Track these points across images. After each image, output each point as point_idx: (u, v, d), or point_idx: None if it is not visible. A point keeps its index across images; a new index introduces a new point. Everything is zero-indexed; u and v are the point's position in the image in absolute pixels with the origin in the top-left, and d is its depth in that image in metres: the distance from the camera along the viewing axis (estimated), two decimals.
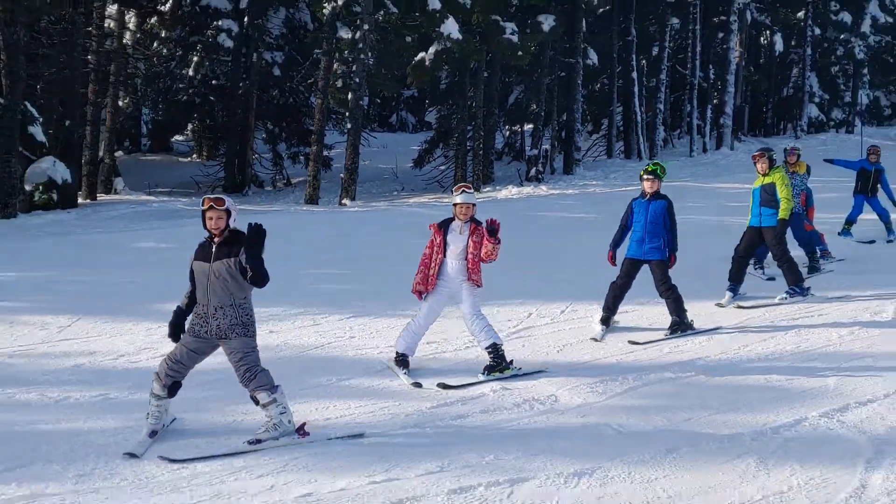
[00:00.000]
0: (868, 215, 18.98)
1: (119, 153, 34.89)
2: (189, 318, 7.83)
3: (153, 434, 7.72)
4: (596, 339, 11.20)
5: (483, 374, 9.63)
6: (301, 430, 7.70)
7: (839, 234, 18.69)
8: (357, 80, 28.89)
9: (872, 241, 18.65)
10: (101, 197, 28.79)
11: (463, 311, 9.95)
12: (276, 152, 36.05)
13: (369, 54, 29.06)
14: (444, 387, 9.26)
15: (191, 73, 34.50)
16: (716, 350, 10.92)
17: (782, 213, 12.87)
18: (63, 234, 20.09)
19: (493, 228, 9.63)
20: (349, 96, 29.19)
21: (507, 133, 39.60)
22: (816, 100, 49.97)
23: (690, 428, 8.31)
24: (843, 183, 20.25)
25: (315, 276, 15.15)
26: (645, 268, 11.62)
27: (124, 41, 31.75)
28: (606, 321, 11.67)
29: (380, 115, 46.69)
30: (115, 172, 30.58)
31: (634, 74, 38.08)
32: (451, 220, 9.98)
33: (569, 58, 34.94)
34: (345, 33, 28.87)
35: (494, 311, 12.41)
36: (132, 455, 7.25)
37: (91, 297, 12.80)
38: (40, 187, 24.77)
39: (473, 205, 9.91)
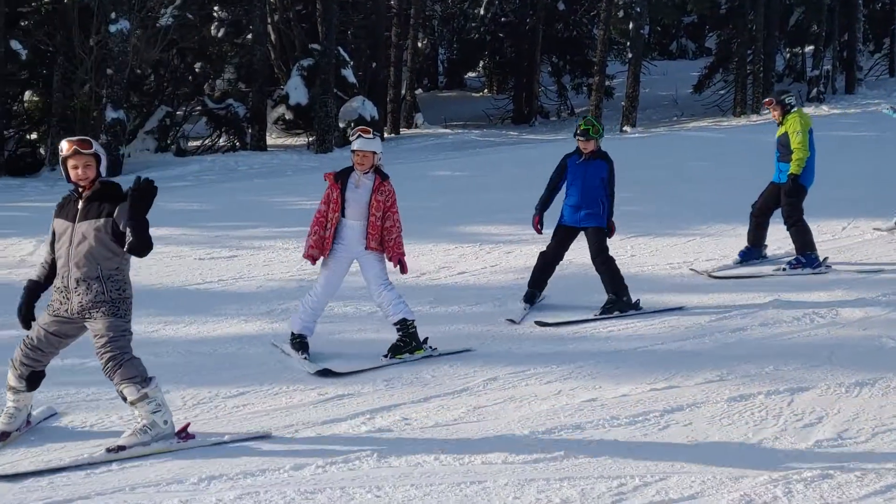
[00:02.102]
0: None
1: (418, 91, 35.81)
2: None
3: (4, 436, 5.87)
4: (514, 321, 8.70)
5: (386, 356, 7.59)
6: (183, 433, 5.87)
7: None
8: (638, 9, 28.26)
9: None
10: (404, 131, 29.72)
11: (367, 281, 7.75)
12: (560, 84, 35.92)
13: None
14: (329, 373, 7.23)
15: (482, 12, 34.84)
16: None
17: (793, 166, 10.16)
18: None
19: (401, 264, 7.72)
20: (630, 26, 28.62)
21: (788, 55, 37.69)
22: None
23: None
24: None
25: None
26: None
27: None
28: (531, 298, 9.16)
29: (660, 42, 45.37)
30: (415, 108, 31.43)
31: None
32: (351, 169, 7.70)
33: None
34: None
35: (774, 229, 11.95)
36: None
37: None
38: (352, 124, 25.79)
39: (375, 153, 7.58)
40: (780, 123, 10.47)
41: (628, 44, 29.62)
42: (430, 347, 7.72)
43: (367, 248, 7.58)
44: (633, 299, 8.86)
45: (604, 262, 9.00)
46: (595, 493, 5.16)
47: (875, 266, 10.43)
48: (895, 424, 6.10)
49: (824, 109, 28.72)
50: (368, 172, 7.61)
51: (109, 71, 20.49)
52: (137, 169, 20.81)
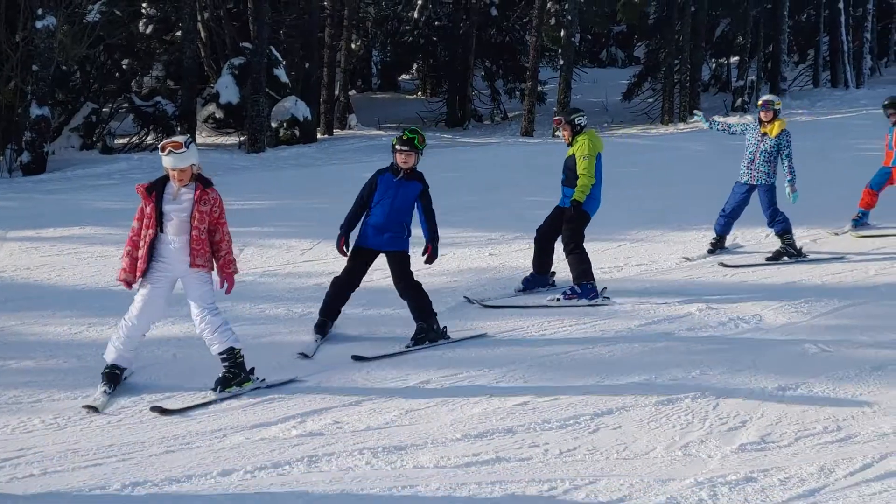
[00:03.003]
0: None
1: (352, 92, 35.64)
2: None
3: None
4: (306, 355, 7.70)
5: (215, 390, 6.72)
6: None
7: None
8: (569, 17, 28.49)
9: None
10: (337, 132, 29.53)
11: (191, 303, 6.83)
12: (493, 88, 36.05)
13: None
14: (162, 411, 6.44)
15: (416, 15, 34.81)
16: None
17: (577, 193, 9.42)
18: (305, 166, 20.79)
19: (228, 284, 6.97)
20: (562, 33, 28.84)
21: (714, 65, 38.31)
22: None
23: None
24: None
25: (531, 203, 15.12)
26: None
27: None
28: (323, 328, 8.14)
29: (590, 50, 45.75)
30: (348, 110, 31.26)
31: (841, 4, 36.06)
32: (166, 179, 6.81)
33: None
34: None
35: (700, 235, 12.13)
36: None
37: (329, 222, 13.11)
38: (284, 124, 25.60)
39: (193, 165, 6.75)
40: (570, 145, 9.66)
41: (560, 51, 29.83)
42: (259, 379, 6.89)
43: (192, 266, 6.71)
44: (442, 326, 8.14)
45: (408, 287, 8.16)
46: (526, 497, 5.17)
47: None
48: (817, 429, 6.22)
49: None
50: (188, 185, 6.76)
51: (35, 67, 20.06)
52: (62, 166, 20.43)
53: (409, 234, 8.22)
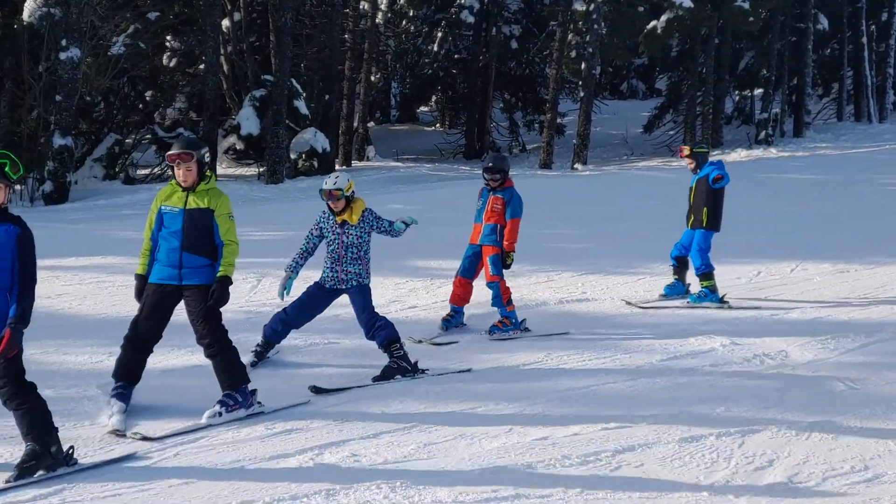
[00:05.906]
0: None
1: (371, 124, 35.81)
2: None
3: None
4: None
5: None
6: None
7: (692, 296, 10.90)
8: (590, 49, 28.56)
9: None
10: (355, 163, 29.65)
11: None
12: (512, 120, 36.18)
13: (602, 24, 28.67)
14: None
15: (435, 48, 35.05)
16: None
17: (227, 267, 7.20)
18: None
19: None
20: (582, 66, 28.92)
21: (737, 98, 38.32)
22: None
23: None
24: None
25: (549, 235, 15.10)
26: None
27: (377, 21, 32.48)
28: None
29: (611, 83, 45.89)
30: (367, 141, 31.41)
31: (864, 39, 36.13)
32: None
33: (799, 23, 33.51)
34: (579, 5, 28.61)
35: (727, 269, 12.05)
36: None
37: None
38: (303, 155, 25.73)
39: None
40: (192, 189, 7.07)
41: (580, 83, 29.93)
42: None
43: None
44: (67, 448, 5.85)
45: (16, 393, 5.70)
46: None
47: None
48: (845, 469, 6.10)
49: (773, 152, 29.15)
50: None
51: (58, 97, 20.25)
52: (85, 196, 20.56)
53: (13, 303, 5.77)
